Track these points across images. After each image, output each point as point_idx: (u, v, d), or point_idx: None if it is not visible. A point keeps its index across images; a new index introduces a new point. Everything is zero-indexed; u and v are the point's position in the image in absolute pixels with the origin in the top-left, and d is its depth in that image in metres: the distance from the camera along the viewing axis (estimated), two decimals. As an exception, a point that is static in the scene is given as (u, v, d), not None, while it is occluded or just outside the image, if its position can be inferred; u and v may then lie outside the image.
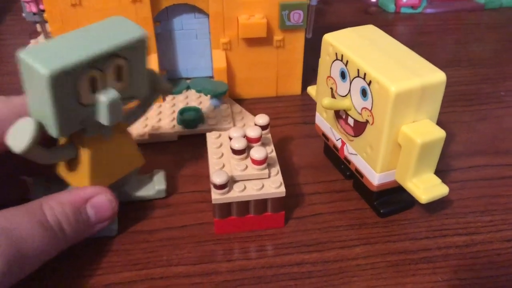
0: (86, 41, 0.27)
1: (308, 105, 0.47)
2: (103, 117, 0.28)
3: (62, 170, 0.32)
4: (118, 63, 0.28)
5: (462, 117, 0.46)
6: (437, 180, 0.31)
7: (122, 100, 0.29)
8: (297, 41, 0.45)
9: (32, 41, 0.56)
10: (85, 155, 0.30)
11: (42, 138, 0.28)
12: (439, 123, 0.31)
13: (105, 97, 0.28)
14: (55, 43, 0.27)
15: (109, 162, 0.32)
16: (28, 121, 0.27)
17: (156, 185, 0.36)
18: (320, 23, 0.62)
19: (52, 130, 0.27)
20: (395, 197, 0.35)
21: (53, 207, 0.29)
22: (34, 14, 0.40)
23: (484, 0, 0.68)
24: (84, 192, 0.30)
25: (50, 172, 0.33)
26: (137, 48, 0.29)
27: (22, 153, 0.27)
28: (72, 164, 0.31)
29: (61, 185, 0.33)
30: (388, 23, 0.64)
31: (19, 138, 0.27)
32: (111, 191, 0.32)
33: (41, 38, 0.56)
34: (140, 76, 0.30)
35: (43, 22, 0.41)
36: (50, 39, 0.28)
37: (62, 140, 0.31)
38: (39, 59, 0.25)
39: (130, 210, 0.35)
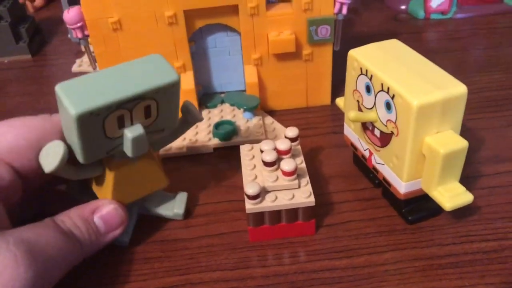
0: (119, 81, 0.28)
1: (337, 115, 0.48)
2: (128, 150, 0.31)
3: (92, 184, 0.35)
4: (147, 104, 0.30)
5: (492, 123, 0.46)
6: (461, 189, 0.32)
7: (151, 133, 0.31)
8: (325, 54, 0.47)
9: (77, 60, 0.61)
10: (110, 174, 0.33)
11: (71, 157, 0.30)
12: (468, 129, 0.32)
13: (130, 133, 0.29)
14: (89, 80, 0.28)
15: (133, 183, 0.34)
16: (59, 145, 0.29)
17: (175, 208, 0.37)
18: (350, 34, 0.64)
19: (79, 157, 0.30)
20: (422, 205, 0.36)
21: (64, 220, 0.31)
22: (80, 39, 0.43)
23: (516, 3, 0.67)
24: (90, 205, 0.33)
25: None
26: (168, 91, 0.30)
27: (51, 173, 0.29)
28: (99, 180, 0.34)
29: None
30: (418, 30, 0.64)
31: (50, 159, 0.29)
32: (116, 201, 0.34)
33: (85, 57, 0.60)
34: (170, 113, 0.32)
35: (88, 46, 0.44)
36: (88, 73, 0.30)
37: None
38: (71, 97, 0.27)
39: (171, 219, 0.37)
